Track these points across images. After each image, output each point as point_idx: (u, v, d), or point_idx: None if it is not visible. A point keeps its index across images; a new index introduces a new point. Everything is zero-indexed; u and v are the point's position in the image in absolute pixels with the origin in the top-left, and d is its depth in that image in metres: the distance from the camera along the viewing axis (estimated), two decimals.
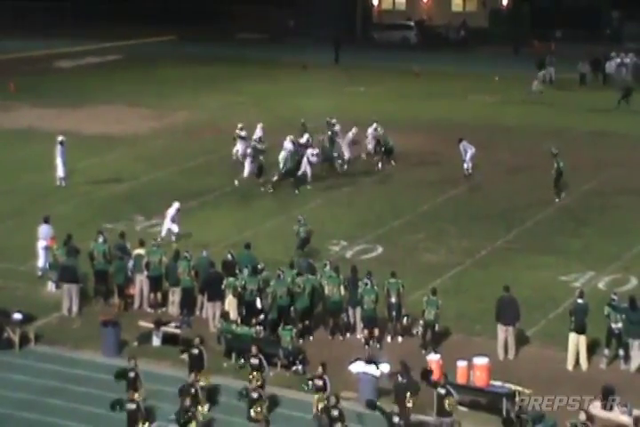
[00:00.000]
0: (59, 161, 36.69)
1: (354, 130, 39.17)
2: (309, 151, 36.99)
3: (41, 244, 28.51)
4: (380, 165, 39.07)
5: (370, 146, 39.87)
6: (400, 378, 21.25)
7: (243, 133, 39.00)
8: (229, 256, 26.87)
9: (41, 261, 28.57)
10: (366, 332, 24.85)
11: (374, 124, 40.05)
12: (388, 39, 73.10)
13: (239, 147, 38.82)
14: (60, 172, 36.76)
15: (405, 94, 53.71)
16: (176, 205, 31.58)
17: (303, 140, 38.16)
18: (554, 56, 57.93)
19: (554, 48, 61.35)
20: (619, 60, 57.21)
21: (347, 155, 38.70)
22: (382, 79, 58.42)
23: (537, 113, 49.11)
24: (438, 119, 41.64)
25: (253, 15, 78.78)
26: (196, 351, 22.27)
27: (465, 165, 37.48)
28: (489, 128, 41.35)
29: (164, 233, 31.06)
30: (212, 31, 75.85)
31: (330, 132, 39.05)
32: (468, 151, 37.44)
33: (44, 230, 28.71)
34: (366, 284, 24.99)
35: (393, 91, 55.09)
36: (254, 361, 21.98)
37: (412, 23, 74.86)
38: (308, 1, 75.84)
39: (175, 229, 31.29)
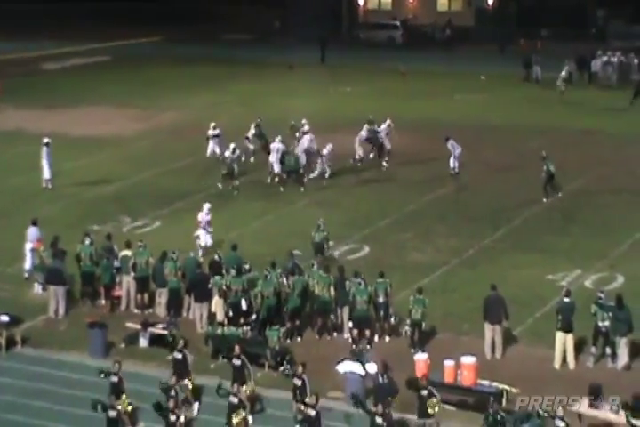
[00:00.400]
0: (44, 163, 36.56)
1: (309, 136, 38.20)
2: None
3: (28, 246, 28.39)
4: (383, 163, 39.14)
5: (387, 143, 39.54)
6: (381, 379, 21.21)
7: (215, 132, 39.10)
8: (217, 257, 26.80)
9: (28, 264, 28.45)
10: (355, 332, 24.78)
11: (387, 121, 39.89)
12: (374, 39, 73.10)
13: (212, 146, 38.84)
14: (46, 174, 36.64)
15: (392, 94, 53.69)
16: (206, 207, 30.41)
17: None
18: (540, 55, 57.97)
19: (540, 47, 61.40)
20: (605, 59, 57.25)
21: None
22: (368, 79, 58.42)
23: (523, 112, 49.16)
24: (425, 118, 41.65)
25: (240, 16, 78.85)
26: (179, 356, 22.15)
27: (451, 164, 37.46)
28: (475, 127, 41.37)
29: (208, 242, 29.79)
30: (199, 32, 75.79)
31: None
32: (455, 150, 37.42)
33: (32, 233, 28.58)
34: (359, 283, 24.91)
35: (379, 90, 55.07)
36: (236, 362, 21.85)
37: (397, 23, 74.89)
38: (294, 1, 75.83)
39: (208, 240, 29.81)
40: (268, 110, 48.70)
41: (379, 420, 19.53)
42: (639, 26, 71.58)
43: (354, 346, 24.52)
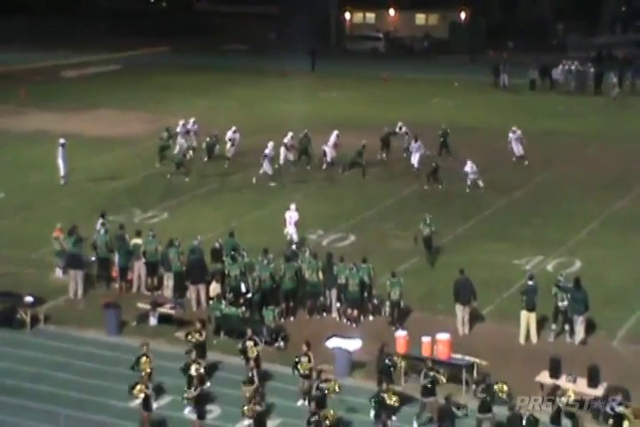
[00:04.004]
0: (60, 161, 36.40)
1: (289, 135, 38.17)
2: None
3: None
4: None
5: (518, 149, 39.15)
6: (386, 360, 20.93)
7: (179, 129, 39.23)
8: (217, 244, 26.80)
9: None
10: (350, 311, 24.70)
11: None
12: (359, 49, 73.06)
13: (180, 142, 38.84)
14: (62, 171, 36.47)
15: (375, 99, 53.64)
16: (293, 206, 29.46)
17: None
18: (507, 64, 57.98)
19: (507, 57, 61.37)
20: (566, 68, 57.29)
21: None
22: (354, 85, 58.31)
23: (492, 115, 49.16)
24: (405, 121, 41.56)
25: (239, 28, 78.71)
26: (201, 338, 21.85)
27: (413, 161, 37.38)
28: (451, 129, 41.27)
29: (295, 238, 29.18)
30: (202, 43, 75.57)
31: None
32: (421, 150, 37.37)
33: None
34: (351, 268, 24.90)
35: (363, 95, 55.00)
36: (249, 343, 21.48)
37: (380, 35, 74.86)
38: (287, 15, 75.69)
39: (294, 235, 29.11)
40: (265, 113, 48.77)
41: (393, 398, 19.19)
42: (593, 38, 71.82)
43: (353, 325, 24.49)
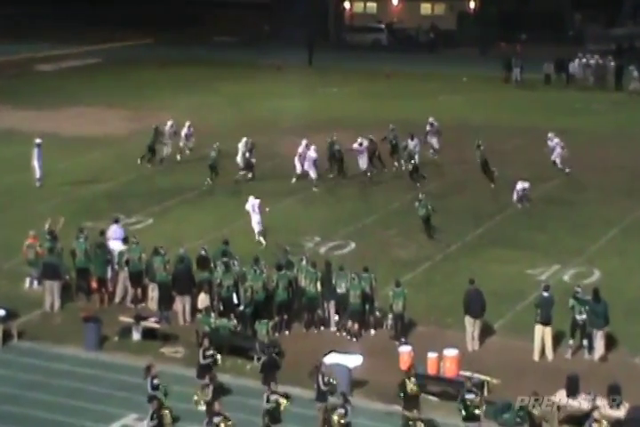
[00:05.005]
0: (35, 163, 36.43)
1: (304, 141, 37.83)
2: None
3: (113, 244, 28.00)
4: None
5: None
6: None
7: (167, 129, 39.92)
8: (203, 252, 26.83)
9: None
10: (356, 325, 24.70)
11: (555, 139, 38.83)
12: (360, 41, 73.17)
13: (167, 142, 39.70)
14: (37, 173, 36.49)
15: (377, 95, 53.74)
16: (251, 198, 31.28)
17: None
18: (519, 57, 58.13)
19: (520, 49, 61.52)
20: (583, 61, 57.43)
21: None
22: (354, 80, 58.45)
23: (503, 112, 49.27)
24: (409, 119, 41.60)
25: (229, 19, 78.73)
26: (208, 398, 20.98)
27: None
28: (459, 128, 41.36)
29: (259, 228, 30.81)
30: (189, 34, 75.68)
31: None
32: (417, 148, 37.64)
33: (115, 231, 28.58)
34: (353, 278, 24.92)
35: (365, 91, 55.11)
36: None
37: (382, 26, 74.94)
38: (282, 5, 75.80)
39: (260, 225, 30.87)
40: (257, 111, 48.81)
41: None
42: (614, 29, 71.88)
43: (353, 339, 24.53)
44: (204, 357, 21.78)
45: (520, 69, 57.30)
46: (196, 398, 20.92)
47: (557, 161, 38.00)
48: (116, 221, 29.24)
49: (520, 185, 34.45)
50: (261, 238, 30.69)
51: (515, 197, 34.44)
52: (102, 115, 48.88)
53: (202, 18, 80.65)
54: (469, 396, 20.09)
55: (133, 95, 53.54)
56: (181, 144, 40.16)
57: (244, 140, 37.84)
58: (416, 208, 30.52)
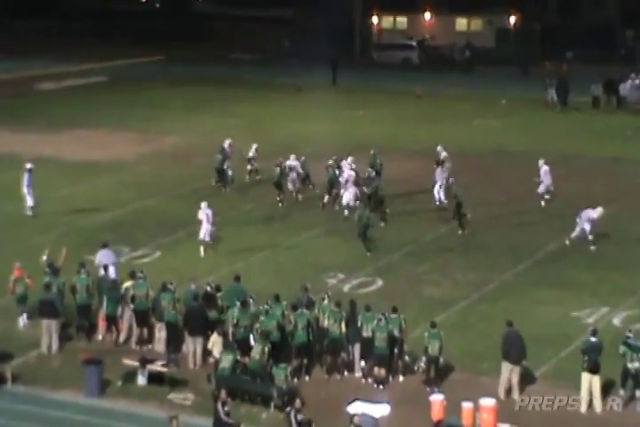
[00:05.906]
0: (26, 190, 36.48)
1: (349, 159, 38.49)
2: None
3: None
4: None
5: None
6: None
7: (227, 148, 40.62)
8: (208, 288, 26.79)
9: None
10: (383, 371, 24.60)
11: (545, 166, 38.66)
12: (389, 59, 73.48)
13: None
14: (29, 201, 36.58)
15: (407, 118, 53.92)
16: (204, 206, 33.20)
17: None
18: (554, 78, 58.00)
19: (566, 69, 61.48)
20: (636, 82, 57.34)
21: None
22: (383, 102, 58.65)
23: (546, 138, 49.25)
24: (441, 145, 41.65)
25: (246, 34, 79.22)
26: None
27: (438, 196, 37.53)
28: (495, 154, 41.41)
29: (204, 236, 32.97)
30: (202, 51, 76.23)
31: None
32: (442, 176, 37.56)
33: (105, 256, 29.11)
34: (379, 319, 24.88)
35: (394, 114, 55.30)
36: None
37: (414, 43, 75.22)
38: (303, 19, 76.26)
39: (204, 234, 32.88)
40: (275, 135, 48.99)
41: None
42: None
43: (380, 386, 24.46)
44: (226, 413, 21.34)
45: (556, 90, 57.00)
46: None
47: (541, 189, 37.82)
48: (105, 246, 29.26)
49: (589, 214, 33.44)
50: (202, 248, 32.79)
51: (587, 228, 33.46)
52: (107, 138, 49.19)
53: (216, 33, 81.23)
54: None
55: (141, 117, 53.88)
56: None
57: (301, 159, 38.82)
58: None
